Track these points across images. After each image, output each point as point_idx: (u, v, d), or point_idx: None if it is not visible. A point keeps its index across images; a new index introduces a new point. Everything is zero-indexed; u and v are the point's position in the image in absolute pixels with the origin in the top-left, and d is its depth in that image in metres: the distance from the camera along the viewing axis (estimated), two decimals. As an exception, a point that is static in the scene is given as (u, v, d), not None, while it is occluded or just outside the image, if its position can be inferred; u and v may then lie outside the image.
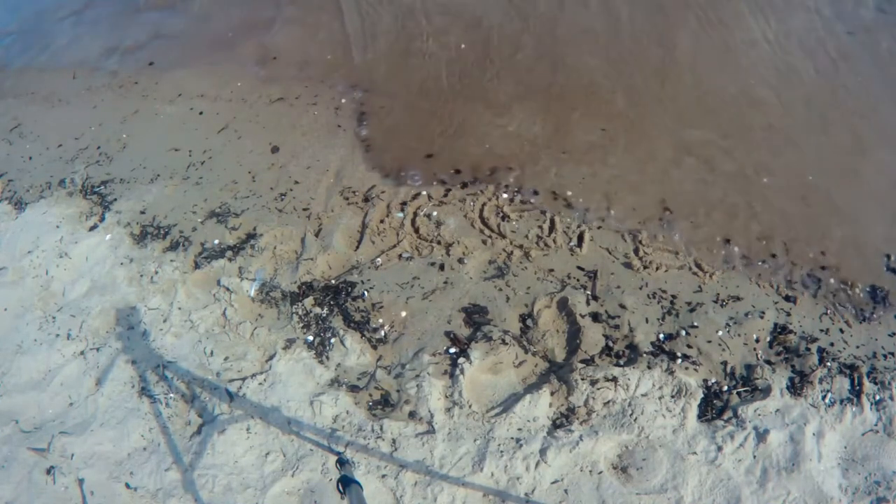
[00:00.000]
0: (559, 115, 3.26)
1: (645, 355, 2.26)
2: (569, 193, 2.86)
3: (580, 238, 2.68)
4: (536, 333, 2.37)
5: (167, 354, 2.45)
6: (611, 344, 2.32)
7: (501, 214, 2.81)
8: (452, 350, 2.34)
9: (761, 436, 2.04)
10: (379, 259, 2.67)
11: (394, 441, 2.10)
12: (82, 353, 2.52)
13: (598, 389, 2.16)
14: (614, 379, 2.18)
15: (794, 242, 2.59)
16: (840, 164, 2.90)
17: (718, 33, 3.59)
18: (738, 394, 2.18)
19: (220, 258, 2.76)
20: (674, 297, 2.47)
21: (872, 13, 3.52)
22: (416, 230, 2.79)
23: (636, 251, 2.63)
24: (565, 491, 1.98)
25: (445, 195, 2.93)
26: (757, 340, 2.32)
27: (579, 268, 2.59)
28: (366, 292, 2.56)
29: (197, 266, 2.76)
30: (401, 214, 2.85)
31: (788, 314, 2.40)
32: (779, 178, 2.86)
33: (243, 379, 2.33)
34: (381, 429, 2.13)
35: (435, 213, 2.83)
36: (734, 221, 2.71)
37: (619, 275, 2.56)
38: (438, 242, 2.72)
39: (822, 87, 3.24)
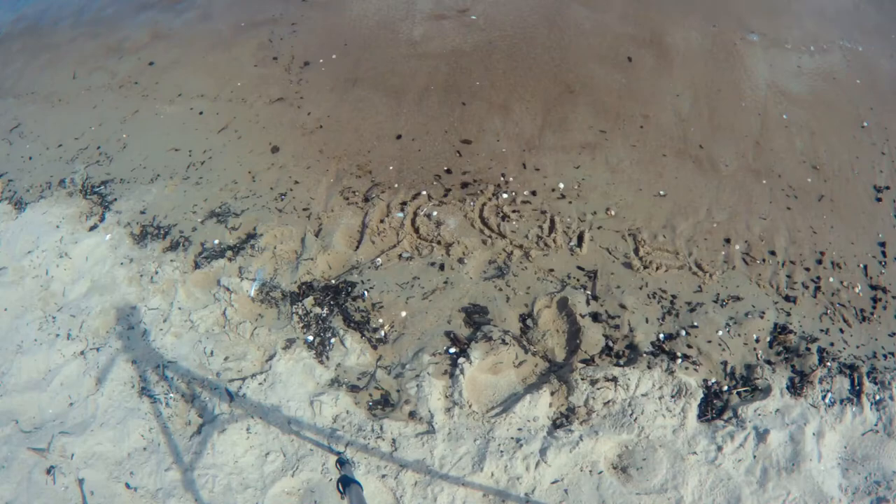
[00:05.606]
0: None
1: (645, 355, 2.26)
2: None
3: (580, 238, 2.68)
4: (536, 333, 2.37)
5: (167, 354, 2.45)
6: (611, 344, 2.32)
7: (501, 214, 2.81)
8: (452, 350, 2.34)
9: (761, 436, 2.04)
10: (379, 259, 2.67)
11: (394, 441, 2.10)
12: (82, 353, 2.52)
13: (598, 389, 2.16)
14: (614, 379, 2.18)
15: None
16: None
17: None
18: (738, 394, 2.18)
19: (220, 258, 2.76)
20: (674, 297, 2.47)
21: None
22: (416, 230, 2.79)
23: (636, 251, 2.63)
24: (565, 491, 1.98)
25: (445, 195, 2.93)
26: (757, 340, 2.32)
27: (579, 268, 2.59)
28: (366, 292, 2.56)
29: (197, 266, 2.76)
30: (401, 214, 2.85)
31: (788, 314, 2.40)
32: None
33: (243, 379, 2.33)
34: (381, 429, 2.12)
35: (435, 213, 2.83)
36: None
37: (619, 275, 2.56)
38: (438, 242, 2.72)
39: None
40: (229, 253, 2.77)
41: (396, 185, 3.00)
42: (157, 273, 2.75)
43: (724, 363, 2.26)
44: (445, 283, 2.57)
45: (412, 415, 2.16)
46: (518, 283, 2.54)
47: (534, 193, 2.90)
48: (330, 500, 2.02)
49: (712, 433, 2.07)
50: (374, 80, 3.60)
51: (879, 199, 2.83)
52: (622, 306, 2.43)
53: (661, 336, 2.34)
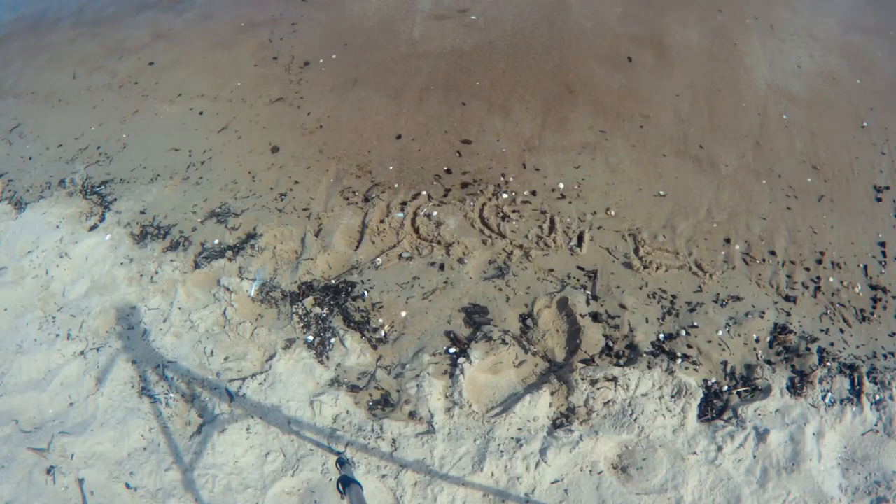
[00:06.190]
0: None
1: (645, 355, 2.26)
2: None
3: (580, 238, 2.68)
4: (536, 333, 2.37)
5: (167, 354, 2.45)
6: (611, 344, 2.32)
7: (501, 214, 2.81)
8: (452, 350, 2.34)
9: (761, 436, 2.04)
10: (379, 259, 2.67)
11: (394, 441, 2.10)
12: (82, 353, 2.52)
13: (598, 389, 2.16)
14: (614, 379, 2.18)
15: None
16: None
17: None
18: (738, 394, 2.18)
19: (220, 258, 2.76)
20: (674, 297, 2.47)
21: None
22: (416, 230, 2.79)
23: (636, 251, 2.63)
24: (565, 491, 1.98)
25: (445, 195, 2.93)
26: (757, 340, 2.32)
27: (579, 268, 2.59)
28: (366, 292, 2.56)
29: (197, 266, 2.76)
30: (401, 214, 2.85)
31: (788, 314, 2.40)
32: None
33: (243, 379, 2.33)
34: (381, 429, 2.12)
35: (435, 213, 2.83)
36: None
37: (619, 275, 2.56)
38: (438, 242, 2.72)
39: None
40: (229, 253, 2.77)
41: (396, 185, 3.00)
42: (157, 273, 2.75)
43: (724, 363, 2.26)
44: (445, 283, 2.57)
45: (412, 415, 2.16)
46: (518, 283, 2.54)
47: (534, 193, 2.90)
48: (330, 500, 2.02)
49: (712, 433, 2.07)
50: (374, 80, 3.60)
51: (879, 199, 2.83)
52: (622, 306, 2.43)
53: (661, 336, 2.34)
